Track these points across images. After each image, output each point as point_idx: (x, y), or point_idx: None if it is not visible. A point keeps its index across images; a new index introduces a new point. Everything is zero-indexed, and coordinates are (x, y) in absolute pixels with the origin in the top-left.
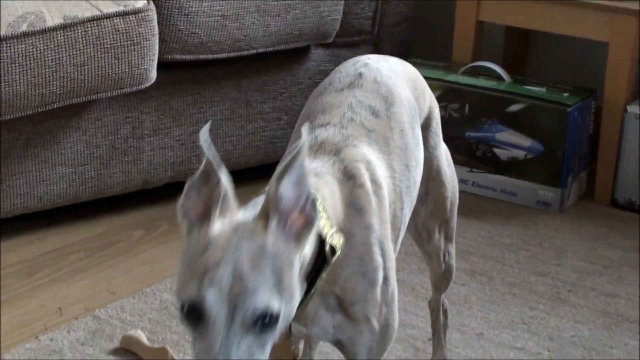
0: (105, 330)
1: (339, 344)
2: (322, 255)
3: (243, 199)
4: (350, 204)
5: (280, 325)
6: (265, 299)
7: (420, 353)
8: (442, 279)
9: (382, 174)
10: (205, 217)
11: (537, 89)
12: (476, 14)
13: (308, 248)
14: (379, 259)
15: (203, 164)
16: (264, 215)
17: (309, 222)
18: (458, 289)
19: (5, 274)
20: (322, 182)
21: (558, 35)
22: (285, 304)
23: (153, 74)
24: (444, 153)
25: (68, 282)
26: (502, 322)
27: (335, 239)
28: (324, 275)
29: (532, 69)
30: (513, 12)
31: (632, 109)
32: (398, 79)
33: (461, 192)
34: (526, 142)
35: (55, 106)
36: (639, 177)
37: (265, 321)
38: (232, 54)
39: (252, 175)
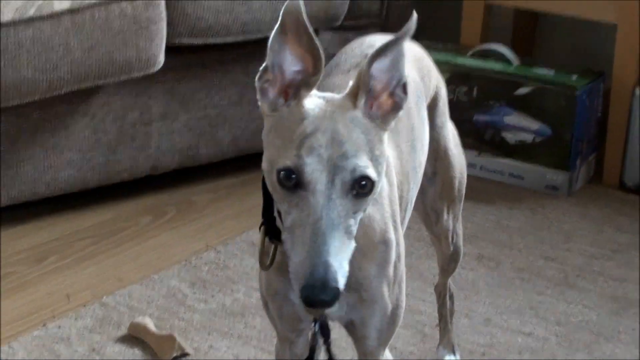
0: (113, 317)
1: (350, 325)
2: None
3: (252, 185)
4: None
5: (374, 195)
6: (364, 161)
7: (428, 339)
8: (450, 261)
9: (391, 153)
10: (286, 95)
11: (545, 71)
12: None
13: None
14: (392, 237)
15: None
16: (354, 94)
17: (396, 106)
18: (466, 274)
19: (13, 261)
20: None
21: (566, 17)
22: (380, 174)
23: (161, 59)
24: (450, 133)
25: (76, 269)
26: (509, 307)
27: None
28: (371, 211)
29: (540, 51)
30: None
31: None
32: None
33: (469, 176)
34: (534, 125)
35: (63, 91)
36: None
37: (362, 184)
38: (240, 38)
39: (260, 160)
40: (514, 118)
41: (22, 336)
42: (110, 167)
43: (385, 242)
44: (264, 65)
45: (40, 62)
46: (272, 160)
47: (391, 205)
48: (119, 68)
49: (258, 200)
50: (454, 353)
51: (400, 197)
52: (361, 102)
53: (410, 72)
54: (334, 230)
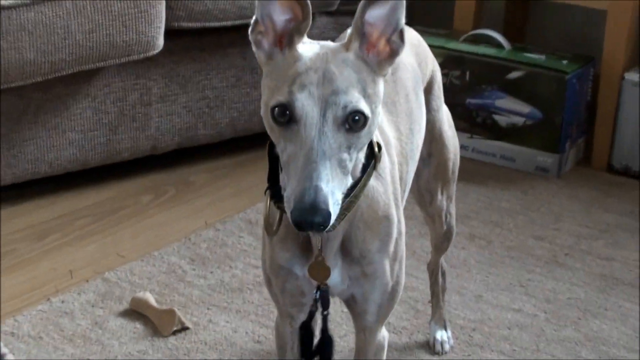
0: (115, 293)
1: (351, 300)
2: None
3: (249, 165)
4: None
5: (368, 131)
6: (355, 97)
7: (421, 314)
8: (443, 240)
9: (391, 134)
10: (281, 44)
11: (536, 56)
12: None
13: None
14: (394, 213)
15: None
16: (349, 40)
17: (393, 52)
18: (457, 253)
19: (16, 238)
20: None
21: (557, 3)
22: (373, 112)
23: (160, 42)
24: (445, 115)
25: (78, 246)
26: (500, 285)
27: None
28: (375, 183)
29: (531, 36)
30: None
31: (630, 76)
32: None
33: (461, 157)
34: (525, 108)
35: (64, 73)
36: (637, 143)
37: (355, 119)
38: (237, 22)
39: (257, 141)
40: (505, 102)
41: (27, 310)
42: (111, 147)
43: (388, 218)
44: (254, 18)
45: (42, 45)
46: (267, 101)
47: (393, 184)
48: (119, 50)
49: (255, 180)
50: (445, 328)
51: (400, 178)
52: (355, 45)
53: (408, 58)
54: (326, 160)
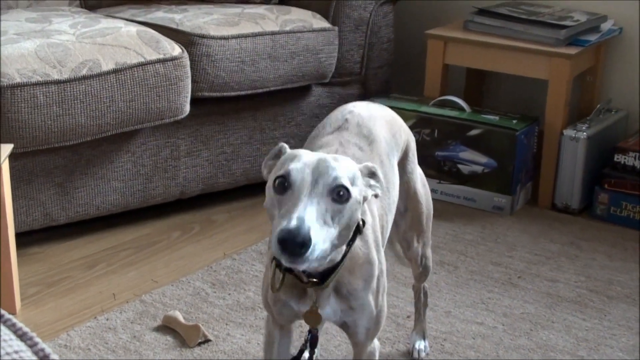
0: (150, 311)
1: (344, 326)
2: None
3: (260, 207)
4: None
5: (350, 211)
6: (343, 177)
7: (401, 327)
8: (421, 275)
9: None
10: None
11: (491, 117)
12: (443, 58)
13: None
14: (375, 257)
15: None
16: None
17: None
18: (430, 277)
19: (71, 267)
20: None
21: (508, 74)
22: (355, 198)
23: (187, 108)
24: (419, 176)
25: (120, 274)
26: (465, 302)
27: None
28: (357, 241)
29: (487, 101)
30: (472, 56)
31: (568, 132)
32: (377, 121)
33: (432, 199)
34: (483, 159)
35: (109, 134)
36: (574, 186)
37: (339, 193)
38: (249, 92)
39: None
40: (467, 154)
41: (78, 327)
42: (147, 193)
43: (369, 262)
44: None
45: (91, 111)
46: (270, 184)
47: (374, 233)
48: (154, 115)
49: (265, 219)
50: (424, 339)
51: (382, 226)
52: (363, 168)
53: (382, 131)
54: (313, 206)
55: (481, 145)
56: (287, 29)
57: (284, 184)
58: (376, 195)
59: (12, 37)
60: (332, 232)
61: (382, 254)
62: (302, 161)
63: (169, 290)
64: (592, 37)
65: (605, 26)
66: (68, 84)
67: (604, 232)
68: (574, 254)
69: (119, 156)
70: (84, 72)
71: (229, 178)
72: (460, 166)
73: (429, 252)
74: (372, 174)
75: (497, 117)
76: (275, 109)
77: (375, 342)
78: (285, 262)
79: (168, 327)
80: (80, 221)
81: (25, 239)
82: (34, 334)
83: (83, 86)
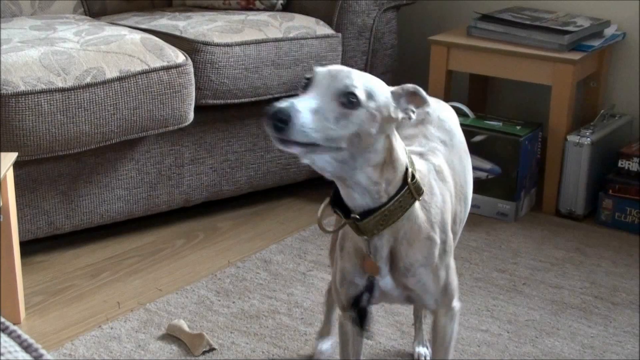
0: (155, 320)
1: (409, 300)
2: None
3: (264, 214)
4: (429, 183)
5: (359, 116)
6: (355, 85)
7: (405, 335)
8: None
9: (450, 180)
10: None
11: (495, 123)
12: (446, 64)
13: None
14: (437, 237)
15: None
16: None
17: (410, 113)
18: None
19: (75, 276)
20: (416, 160)
21: (511, 80)
22: (368, 109)
23: (191, 115)
24: None
25: (125, 282)
26: (470, 310)
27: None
28: (420, 214)
29: (491, 107)
30: (475, 62)
31: (571, 138)
32: (453, 117)
33: None
34: (487, 165)
35: (113, 142)
36: (578, 192)
37: (350, 99)
38: (253, 99)
39: (270, 194)
40: (471, 160)
41: (82, 335)
42: (151, 200)
43: (430, 238)
44: None
45: (95, 119)
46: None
47: (442, 214)
48: (158, 123)
49: (269, 226)
50: (427, 347)
51: (454, 213)
52: (396, 89)
53: (459, 128)
54: (308, 103)
55: (485, 152)
56: (291, 35)
57: (306, 85)
58: (409, 118)
59: (17, 44)
60: (330, 127)
61: (450, 235)
62: (327, 67)
63: (173, 298)
64: (596, 43)
65: (609, 31)
66: (72, 91)
67: (608, 238)
68: (578, 260)
69: (123, 164)
70: (88, 80)
71: (233, 185)
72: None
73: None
74: (412, 95)
75: (500, 123)
76: None
77: (456, 303)
78: (271, 135)
79: (172, 336)
80: (84, 229)
81: (30, 247)
82: (39, 346)
83: (87, 94)
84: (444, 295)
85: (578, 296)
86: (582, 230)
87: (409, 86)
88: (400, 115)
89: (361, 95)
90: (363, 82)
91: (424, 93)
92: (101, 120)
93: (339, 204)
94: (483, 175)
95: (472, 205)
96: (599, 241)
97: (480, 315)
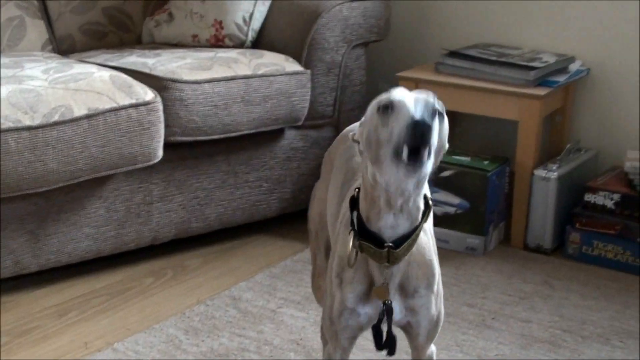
0: None
1: (407, 326)
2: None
3: (234, 251)
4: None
5: (443, 130)
6: (437, 104)
7: None
8: None
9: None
10: None
11: (463, 158)
12: None
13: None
14: (435, 259)
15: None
16: None
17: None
18: None
19: (42, 316)
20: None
21: (479, 115)
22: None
23: (160, 153)
24: None
25: (93, 321)
26: (440, 345)
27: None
28: (425, 219)
29: (459, 142)
30: (443, 98)
31: (538, 172)
32: None
33: None
34: (456, 200)
35: (81, 179)
36: (546, 226)
37: (439, 113)
38: (222, 136)
39: (240, 231)
40: (440, 195)
41: None
42: (120, 239)
43: (432, 262)
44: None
45: (63, 157)
46: (373, 111)
47: (432, 238)
48: (127, 161)
49: (238, 263)
50: None
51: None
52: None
53: None
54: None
55: (453, 187)
56: (260, 72)
57: (388, 107)
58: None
59: None
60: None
61: (437, 260)
62: (400, 92)
63: (141, 337)
64: (561, 78)
65: (574, 67)
66: (40, 130)
67: (576, 271)
68: (547, 294)
69: (91, 202)
70: (56, 117)
71: (203, 223)
72: (433, 208)
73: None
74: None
75: (468, 158)
76: (249, 152)
77: (433, 347)
78: (410, 146)
79: None
80: (52, 268)
81: None
82: None
83: (55, 132)
84: (434, 327)
85: (547, 330)
86: (550, 264)
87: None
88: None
89: (442, 109)
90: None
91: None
92: (69, 159)
93: (364, 238)
94: (452, 210)
95: (442, 240)
96: (567, 274)
97: (449, 350)
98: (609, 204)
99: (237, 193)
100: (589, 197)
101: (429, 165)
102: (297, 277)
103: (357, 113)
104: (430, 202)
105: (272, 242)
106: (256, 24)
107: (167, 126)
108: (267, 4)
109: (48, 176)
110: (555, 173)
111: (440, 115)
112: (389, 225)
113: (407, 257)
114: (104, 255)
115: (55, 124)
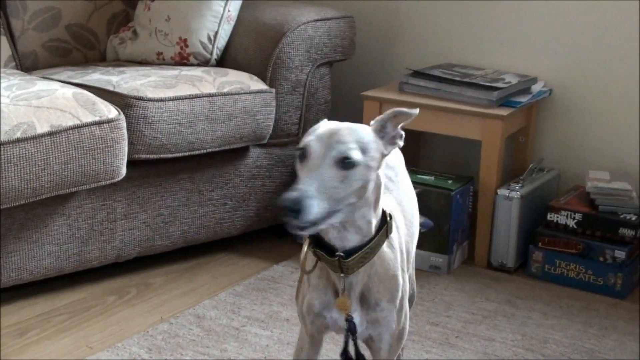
0: None
1: (369, 340)
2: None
3: (198, 269)
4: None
5: (360, 175)
6: (351, 148)
7: None
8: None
9: (401, 219)
10: None
11: (427, 177)
12: None
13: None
14: (400, 275)
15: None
16: (374, 125)
17: (395, 144)
18: None
19: (2, 334)
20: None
21: (443, 135)
22: (364, 163)
23: (123, 170)
24: None
25: (54, 340)
26: None
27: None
28: (388, 252)
29: (423, 161)
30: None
31: (502, 192)
32: (396, 155)
33: None
34: (420, 219)
35: (44, 197)
36: (509, 245)
37: (346, 162)
38: (187, 153)
39: (204, 249)
40: None
41: None
42: (82, 256)
43: (396, 277)
44: None
45: (24, 174)
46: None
47: (401, 253)
48: (90, 178)
49: (202, 282)
50: None
51: (408, 252)
52: (376, 126)
53: (400, 163)
54: (316, 180)
55: (418, 205)
56: (225, 90)
57: (303, 155)
58: (399, 145)
59: None
60: (337, 192)
61: (406, 276)
62: (318, 132)
63: (104, 356)
64: (524, 99)
65: (536, 88)
66: (2, 147)
67: (539, 290)
68: (510, 313)
69: (53, 219)
70: (18, 134)
71: (166, 240)
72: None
73: (414, 276)
74: (395, 118)
75: (432, 178)
76: (213, 170)
77: None
78: (289, 225)
79: None
80: (13, 286)
81: None
82: None
83: (17, 149)
84: (397, 342)
85: (510, 348)
86: (513, 283)
87: (389, 113)
88: (389, 147)
89: (357, 155)
90: (355, 139)
91: (405, 109)
92: (31, 176)
93: (319, 246)
94: None
95: None
96: (530, 293)
97: None
98: (571, 223)
99: (201, 211)
100: (552, 217)
101: (315, 216)
102: (261, 296)
103: None
104: (389, 217)
105: (236, 261)
106: (221, 42)
107: (130, 144)
108: (232, 22)
109: (9, 193)
110: (518, 192)
111: (350, 160)
112: (335, 237)
113: (366, 269)
114: (66, 273)
115: (18, 140)
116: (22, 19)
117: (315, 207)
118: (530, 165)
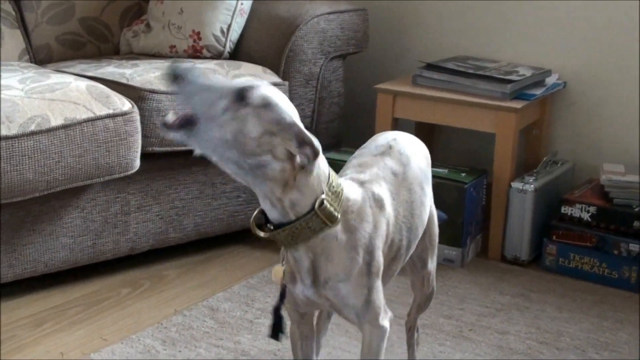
0: None
1: (333, 309)
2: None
3: (211, 261)
4: (360, 209)
5: (245, 116)
6: (256, 85)
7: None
8: (427, 299)
9: (389, 209)
10: None
11: (440, 170)
12: (392, 112)
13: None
14: (359, 257)
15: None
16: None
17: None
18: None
19: (17, 326)
20: (351, 189)
21: (456, 127)
22: (258, 110)
23: (137, 163)
24: (432, 199)
25: (69, 332)
26: (417, 356)
27: (329, 204)
28: (339, 231)
29: (436, 154)
30: (421, 110)
31: (515, 185)
32: (417, 152)
33: None
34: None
35: (58, 190)
36: (523, 237)
37: (243, 95)
38: None
39: (217, 242)
40: None
41: None
42: (97, 249)
43: (350, 259)
44: None
45: (39, 167)
46: None
47: (370, 239)
48: (104, 171)
49: (216, 274)
50: None
51: (392, 240)
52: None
53: (420, 162)
54: (208, 82)
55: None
56: None
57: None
58: (301, 165)
59: None
60: (215, 109)
61: (378, 259)
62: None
63: (118, 348)
64: (538, 91)
65: (550, 80)
66: (16, 139)
67: (552, 283)
68: (523, 306)
69: (68, 212)
70: (33, 127)
71: (180, 233)
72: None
73: (434, 273)
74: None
75: (446, 170)
76: None
77: (383, 325)
78: (169, 83)
79: None
80: (28, 279)
81: None
82: None
83: (31, 142)
84: (365, 311)
85: (523, 341)
86: (527, 276)
87: (308, 137)
88: (298, 152)
89: (257, 99)
90: (270, 91)
91: (315, 146)
92: (45, 169)
93: (266, 215)
94: None
95: None
96: (544, 286)
97: None
98: (586, 216)
99: (214, 203)
100: (566, 210)
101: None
102: (275, 288)
103: (335, 124)
104: (318, 207)
105: (249, 253)
106: (234, 35)
107: (144, 136)
108: (245, 15)
109: (24, 186)
110: (532, 185)
111: (248, 92)
112: (262, 206)
113: (309, 248)
114: (80, 265)
115: (32, 133)
116: (36, 12)
117: (200, 77)
118: (545, 158)
